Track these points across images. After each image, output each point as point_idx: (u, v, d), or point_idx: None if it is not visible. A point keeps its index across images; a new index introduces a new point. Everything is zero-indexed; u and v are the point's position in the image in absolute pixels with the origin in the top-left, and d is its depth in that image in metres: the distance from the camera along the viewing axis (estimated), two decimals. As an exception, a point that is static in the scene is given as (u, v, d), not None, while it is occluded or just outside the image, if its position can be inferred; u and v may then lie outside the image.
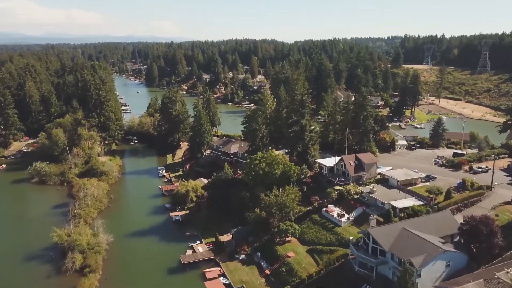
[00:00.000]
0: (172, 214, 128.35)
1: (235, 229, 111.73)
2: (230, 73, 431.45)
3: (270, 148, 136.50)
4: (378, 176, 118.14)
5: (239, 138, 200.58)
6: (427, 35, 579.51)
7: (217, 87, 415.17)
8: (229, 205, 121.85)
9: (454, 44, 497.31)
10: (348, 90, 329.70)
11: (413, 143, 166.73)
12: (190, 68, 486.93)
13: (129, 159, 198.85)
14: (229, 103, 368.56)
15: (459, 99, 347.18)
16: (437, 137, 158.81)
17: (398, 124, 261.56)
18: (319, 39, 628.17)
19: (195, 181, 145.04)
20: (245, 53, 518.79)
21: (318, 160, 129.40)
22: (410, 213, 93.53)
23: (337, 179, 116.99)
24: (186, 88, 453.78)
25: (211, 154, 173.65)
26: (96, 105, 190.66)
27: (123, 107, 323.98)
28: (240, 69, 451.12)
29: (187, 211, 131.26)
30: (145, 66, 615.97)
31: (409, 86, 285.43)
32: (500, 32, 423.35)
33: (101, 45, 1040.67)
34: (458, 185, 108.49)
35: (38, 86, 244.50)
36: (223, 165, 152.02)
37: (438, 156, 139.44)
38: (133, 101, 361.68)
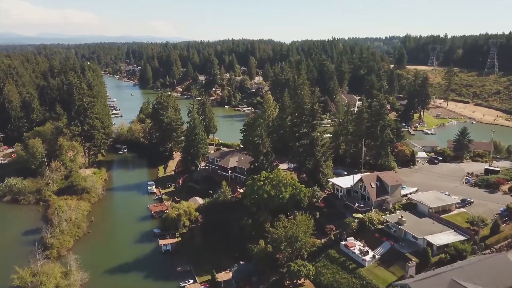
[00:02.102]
0: (161, 242, 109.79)
1: (235, 266, 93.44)
2: (227, 75, 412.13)
3: (275, 164, 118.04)
4: (404, 200, 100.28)
5: (237, 148, 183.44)
6: (429, 35, 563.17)
7: (213, 89, 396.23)
8: (227, 234, 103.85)
9: (458, 44, 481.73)
10: (353, 93, 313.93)
11: (432, 154, 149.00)
12: (185, 69, 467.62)
13: (116, 171, 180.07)
14: (226, 106, 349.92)
15: (468, 102, 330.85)
16: (462, 149, 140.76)
17: (407, 129, 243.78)
18: (316, 39, 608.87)
19: (189, 201, 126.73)
20: (242, 53, 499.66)
21: (332, 180, 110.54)
22: (453, 253, 75.76)
23: (356, 204, 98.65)
24: (181, 90, 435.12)
25: (207, 167, 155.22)
26: (79, 112, 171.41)
27: (114, 111, 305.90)
28: (237, 70, 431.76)
29: (179, 238, 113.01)
30: (139, 67, 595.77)
31: (418, 89, 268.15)
32: (507, 32, 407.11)
33: (95, 45, 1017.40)
34: (502, 213, 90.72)
35: (20, 89, 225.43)
36: (220, 181, 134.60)
37: (468, 173, 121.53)
38: (126, 105, 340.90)
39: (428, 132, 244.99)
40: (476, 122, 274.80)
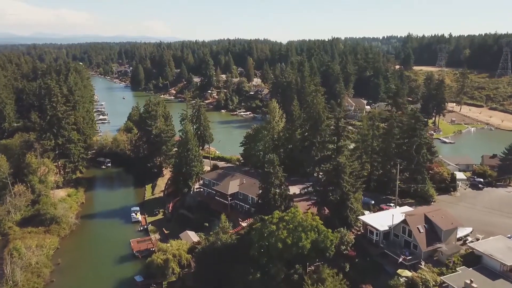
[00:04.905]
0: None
1: None
2: (223, 76, 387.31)
3: (290, 196, 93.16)
4: (462, 250, 76.37)
5: (237, 162, 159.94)
6: (433, 35, 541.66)
7: (209, 92, 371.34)
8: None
9: (464, 44, 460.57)
10: (359, 97, 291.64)
11: (469, 174, 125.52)
12: (179, 70, 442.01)
13: (97, 192, 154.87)
14: (222, 111, 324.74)
15: (481, 106, 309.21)
16: (510, 171, 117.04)
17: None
18: (314, 39, 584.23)
19: (180, 237, 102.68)
20: (239, 54, 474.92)
21: (363, 219, 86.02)
22: None
23: (402, 256, 74.25)
24: (174, 92, 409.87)
25: (202, 190, 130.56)
26: (52, 122, 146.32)
27: (101, 117, 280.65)
28: (234, 72, 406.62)
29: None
30: (131, 68, 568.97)
31: (433, 92, 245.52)
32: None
33: (87, 45, 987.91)
34: None
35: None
36: (218, 209, 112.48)
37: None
38: (117, 109, 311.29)
39: (446, 140, 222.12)
40: (494, 128, 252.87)
